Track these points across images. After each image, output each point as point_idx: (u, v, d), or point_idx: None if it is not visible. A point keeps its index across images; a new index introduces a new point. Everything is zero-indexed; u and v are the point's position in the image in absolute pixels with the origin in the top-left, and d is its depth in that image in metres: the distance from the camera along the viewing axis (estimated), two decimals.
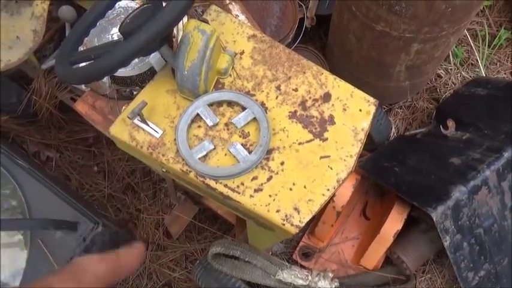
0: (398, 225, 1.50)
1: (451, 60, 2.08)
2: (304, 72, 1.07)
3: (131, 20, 0.90)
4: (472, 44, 2.10)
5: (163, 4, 0.98)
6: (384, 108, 1.99)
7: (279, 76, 1.07)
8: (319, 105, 1.04)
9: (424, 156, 1.60)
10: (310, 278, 1.37)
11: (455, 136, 1.64)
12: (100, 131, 1.43)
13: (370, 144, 1.77)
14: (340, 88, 1.06)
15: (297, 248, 1.71)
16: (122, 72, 1.19)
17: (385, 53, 1.51)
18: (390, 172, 1.58)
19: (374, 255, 1.58)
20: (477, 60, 2.08)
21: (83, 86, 1.46)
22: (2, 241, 1.51)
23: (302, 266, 1.62)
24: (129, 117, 0.98)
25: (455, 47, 2.09)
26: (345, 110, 1.03)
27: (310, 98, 1.04)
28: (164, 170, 1.04)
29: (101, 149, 1.95)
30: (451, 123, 1.68)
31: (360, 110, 1.03)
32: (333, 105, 1.04)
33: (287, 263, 1.36)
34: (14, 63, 1.37)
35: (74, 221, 1.32)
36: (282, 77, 1.07)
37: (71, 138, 1.96)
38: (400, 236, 1.55)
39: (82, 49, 1.05)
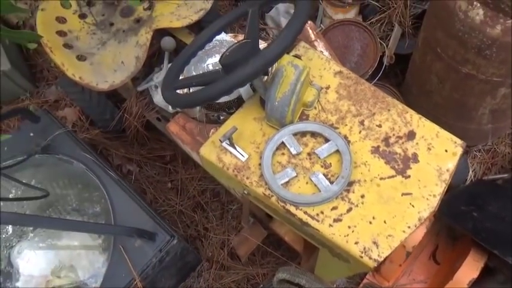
0: (474, 274, 1.42)
1: None
2: (389, 110, 1.10)
3: (230, 53, 0.99)
4: None
5: (259, 41, 1.07)
6: None
7: (363, 112, 1.10)
8: (402, 143, 1.05)
9: (507, 204, 1.52)
10: None
11: None
12: (183, 150, 1.54)
13: None
14: (426, 127, 1.07)
15: (361, 284, 1.67)
16: None
17: (468, 95, 1.48)
18: (468, 217, 1.52)
19: None
20: None
21: (170, 108, 1.59)
22: (85, 243, 1.65)
23: None
24: (220, 140, 1.06)
25: None
26: (429, 149, 1.04)
27: (393, 135, 1.06)
28: (246, 192, 1.10)
29: (176, 167, 2.07)
30: None
31: (446, 151, 1.03)
32: (417, 143, 1.05)
33: None
34: (117, 85, 1.52)
35: (154, 232, 1.42)
36: (366, 112, 1.10)
37: (151, 155, 2.11)
38: (474, 285, 1.47)
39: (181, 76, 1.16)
